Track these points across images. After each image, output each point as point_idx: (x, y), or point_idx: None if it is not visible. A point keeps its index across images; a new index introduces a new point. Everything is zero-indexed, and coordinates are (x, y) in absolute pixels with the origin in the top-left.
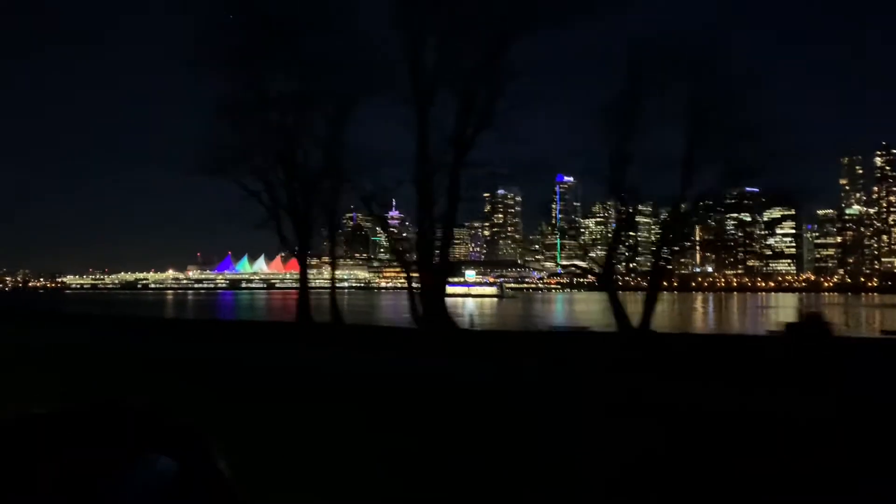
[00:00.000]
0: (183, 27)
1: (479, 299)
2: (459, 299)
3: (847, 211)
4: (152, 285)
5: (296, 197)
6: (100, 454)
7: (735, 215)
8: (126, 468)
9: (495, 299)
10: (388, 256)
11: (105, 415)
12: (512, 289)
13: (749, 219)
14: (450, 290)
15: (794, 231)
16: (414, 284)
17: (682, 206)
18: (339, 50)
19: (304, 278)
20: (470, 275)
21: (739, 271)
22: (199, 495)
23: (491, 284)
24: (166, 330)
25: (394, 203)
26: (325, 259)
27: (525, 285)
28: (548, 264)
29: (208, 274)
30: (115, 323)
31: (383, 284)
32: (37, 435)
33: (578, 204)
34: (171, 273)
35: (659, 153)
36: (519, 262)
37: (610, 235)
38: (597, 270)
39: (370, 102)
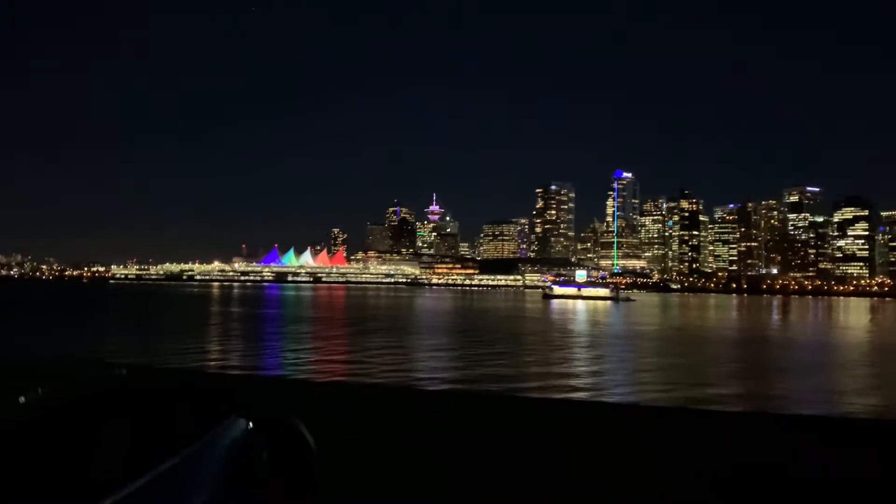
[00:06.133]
0: None
1: (591, 302)
2: (570, 302)
3: None
4: (198, 277)
5: None
6: (183, 416)
7: (805, 215)
8: (205, 429)
9: (609, 302)
10: None
11: (186, 382)
12: None
13: (820, 219)
14: (558, 290)
15: (866, 233)
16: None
17: None
18: None
19: None
20: (580, 275)
21: (809, 273)
22: (269, 453)
23: (604, 286)
24: None
25: (434, 197)
26: (372, 253)
27: None
28: (603, 263)
29: (254, 266)
30: None
31: (434, 280)
32: (124, 397)
33: (636, 201)
34: (216, 265)
35: None
36: (573, 259)
37: (668, 234)
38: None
39: None
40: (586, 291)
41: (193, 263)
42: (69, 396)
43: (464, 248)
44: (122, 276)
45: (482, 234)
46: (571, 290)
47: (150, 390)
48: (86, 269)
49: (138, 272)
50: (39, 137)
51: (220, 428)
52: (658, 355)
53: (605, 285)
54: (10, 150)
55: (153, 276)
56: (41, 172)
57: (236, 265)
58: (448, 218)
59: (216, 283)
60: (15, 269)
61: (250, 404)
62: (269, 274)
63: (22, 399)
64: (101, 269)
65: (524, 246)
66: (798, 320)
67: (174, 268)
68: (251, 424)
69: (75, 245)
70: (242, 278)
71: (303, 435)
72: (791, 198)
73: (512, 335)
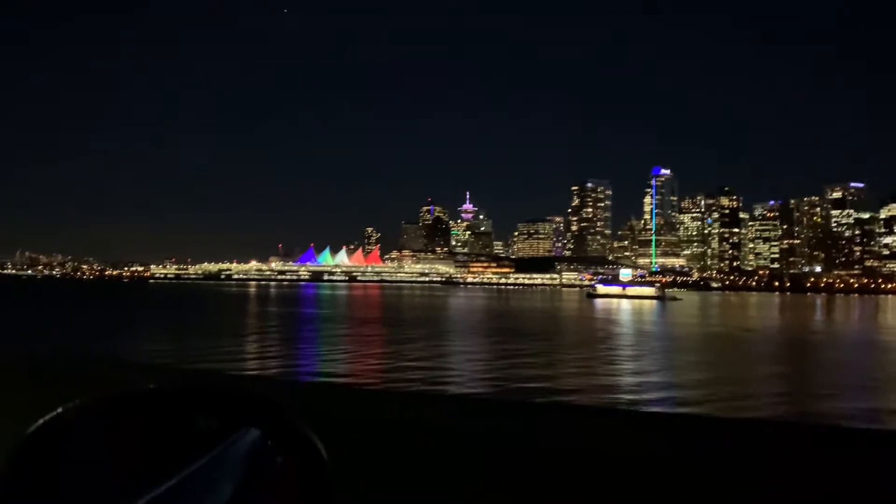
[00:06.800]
0: None
1: (636, 301)
2: (614, 301)
3: None
4: (235, 276)
5: None
6: (199, 424)
7: (849, 212)
8: (221, 438)
9: (655, 302)
10: None
11: (198, 392)
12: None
13: (866, 216)
14: (601, 289)
15: None
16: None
17: None
18: None
19: None
20: (625, 274)
21: (854, 271)
22: (283, 460)
23: (650, 284)
24: None
25: (467, 195)
26: (406, 252)
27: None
28: (641, 261)
29: (290, 265)
30: None
31: (470, 279)
32: (143, 407)
33: (675, 198)
34: (254, 264)
35: None
36: (610, 258)
37: (707, 232)
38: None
39: None
40: (631, 290)
41: (231, 263)
42: (96, 407)
43: (498, 247)
44: (162, 276)
45: (516, 233)
46: (616, 290)
47: (168, 400)
48: (125, 268)
49: (177, 271)
50: (72, 135)
51: (236, 436)
52: (762, 362)
53: (651, 284)
54: (41, 150)
55: (191, 276)
56: (76, 171)
57: (273, 264)
58: (481, 216)
59: (253, 283)
60: (57, 269)
61: (264, 412)
62: (305, 273)
63: (60, 409)
64: (140, 268)
65: (559, 244)
66: (864, 320)
67: (212, 267)
68: (265, 432)
69: (111, 244)
70: (279, 277)
71: (315, 443)
72: (834, 194)
73: (583, 339)
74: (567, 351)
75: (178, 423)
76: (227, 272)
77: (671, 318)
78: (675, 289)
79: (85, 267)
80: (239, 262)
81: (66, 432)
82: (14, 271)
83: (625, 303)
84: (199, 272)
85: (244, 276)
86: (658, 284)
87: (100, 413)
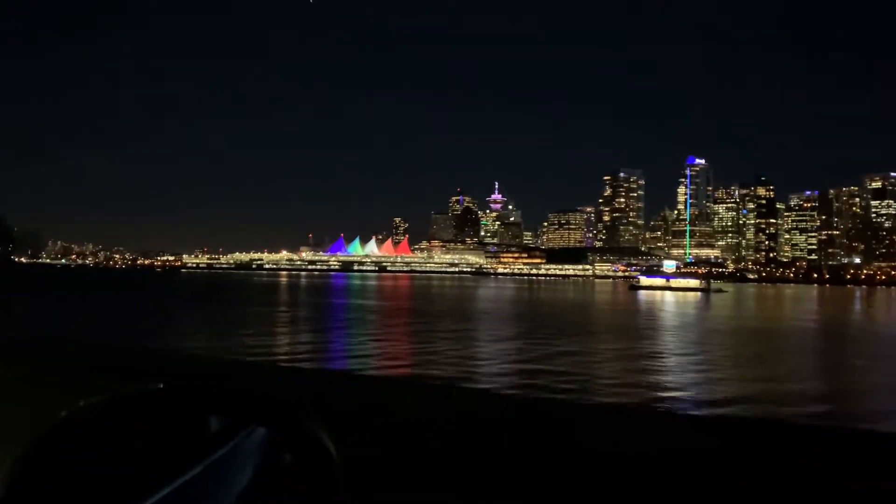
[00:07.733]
0: None
1: (681, 294)
2: (658, 293)
3: None
4: (266, 266)
5: None
6: (208, 423)
7: (889, 202)
8: (230, 437)
9: (699, 293)
10: None
11: (206, 392)
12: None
13: None
14: (644, 281)
15: None
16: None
17: None
18: None
19: None
20: (669, 265)
21: None
22: (291, 458)
23: (694, 276)
24: None
25: (496, 186)
26: (436, 242)
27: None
28: (674, 252)
29: (321, 255)
30: None
31: (500, 270)
32: (152, 406)
33: (710, 188)
34: (284, 254)
35: None
36: (643, 248)
37: (742, 222)
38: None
39: None
40: (675, 282)
41: (262, 252)
42: (105, 407)
43: (527, 237)
44: (194, 266)
45: (546, 223)
46: (660, 281)
47: (176, 400)
48: (157, 258)
49: (209, 261)
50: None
51: (244, 434)
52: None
53: (695, 276)
54: (69, 141)
55: (223, 266)
56: (105, 160)
57: (303, 254)
58: (510, 207)
59: (284, 273)
60: (90, 259)
61: (271, 410)
62: (335, 263)
63: (68, 410)
64: (171, 257)
65: (590, 235)
66: None
67: (244, 257)
68: (273, 430)
69: (144, 234)
70: (309, 267)
71: (323, 440)
72: (873, 184)
73: (682, 339)
74: (673, 352)
75: (186, 422)
76: (259, 262)
77: (738, 311)
78: (712, 280)
79: (117, 256)
80: (270, 252)
81: (75, 433)
82: (49, 260)
83: (668, 295)
84: (231, 262)
85: (275, 266)
86: (703, 276)
87: (108, 413)
